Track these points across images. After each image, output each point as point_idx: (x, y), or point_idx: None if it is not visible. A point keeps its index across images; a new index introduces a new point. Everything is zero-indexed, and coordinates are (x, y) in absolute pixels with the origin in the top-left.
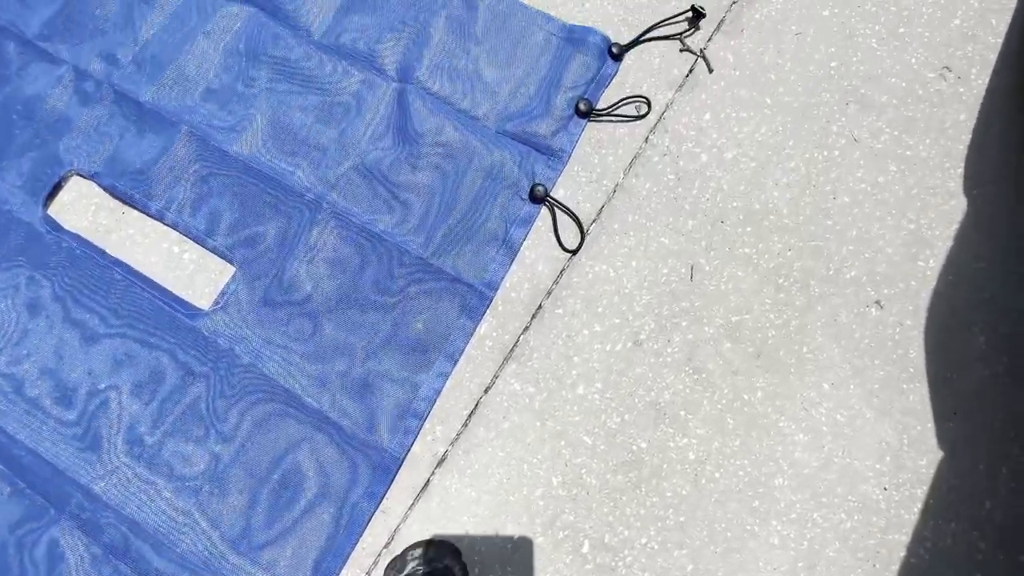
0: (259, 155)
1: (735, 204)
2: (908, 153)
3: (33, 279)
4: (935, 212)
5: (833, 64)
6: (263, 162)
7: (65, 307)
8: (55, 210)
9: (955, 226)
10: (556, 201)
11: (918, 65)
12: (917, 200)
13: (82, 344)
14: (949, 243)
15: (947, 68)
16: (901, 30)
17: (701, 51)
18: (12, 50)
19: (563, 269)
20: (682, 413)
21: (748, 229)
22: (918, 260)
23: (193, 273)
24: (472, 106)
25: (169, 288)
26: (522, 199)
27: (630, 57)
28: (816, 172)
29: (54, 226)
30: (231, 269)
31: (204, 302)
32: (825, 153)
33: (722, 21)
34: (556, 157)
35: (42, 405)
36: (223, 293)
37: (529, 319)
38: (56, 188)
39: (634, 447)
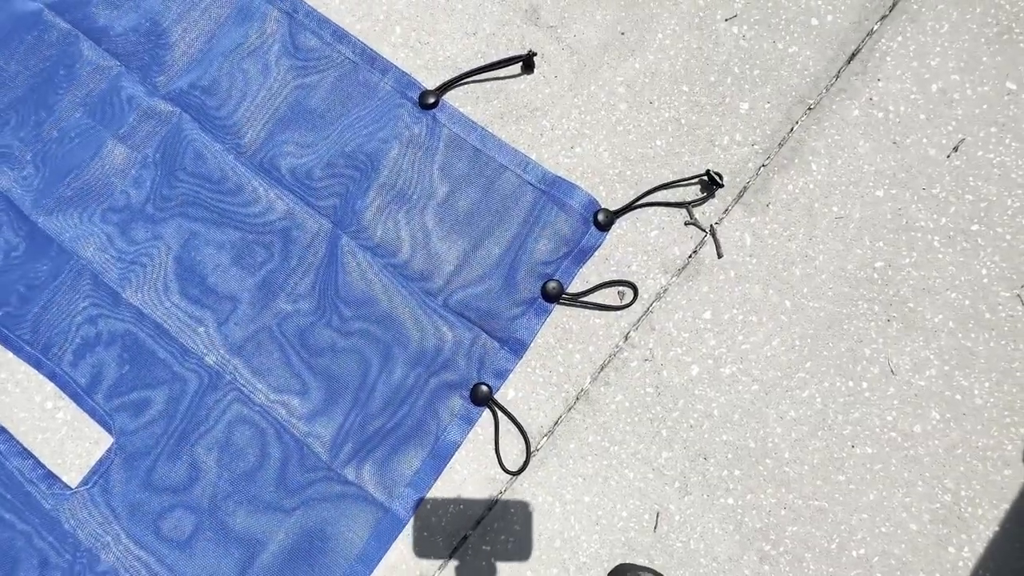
0: (158, 301)
1: (725, 437)
2: (958, 397)
3: None
4: (981, 483)
5: (878, 264)
6: (162, 310)
7: None
8: None
9: (1005, 506)
10: (501, 407)
11: (989, 279)
12: (960, 463)
13: None
14: (993, 530)
15: None
16: (974, 227)
17: (711, 227)
18: None
19: (500, 494)
20: None
21: (736, 472)
22: (949, 546)
23: (64, 438)
24: (417, 269)
25: (35, 452)
26: (462, 397)
27: (621, 224)
28: (835, 408)
29: None
30: (109, 439)
31: (72, 477)
32: (850, 384)
33: (744, 190)
34: (512, 348)
35: None
36: (95, 469)
37: (449, 553)
38: None
39: None
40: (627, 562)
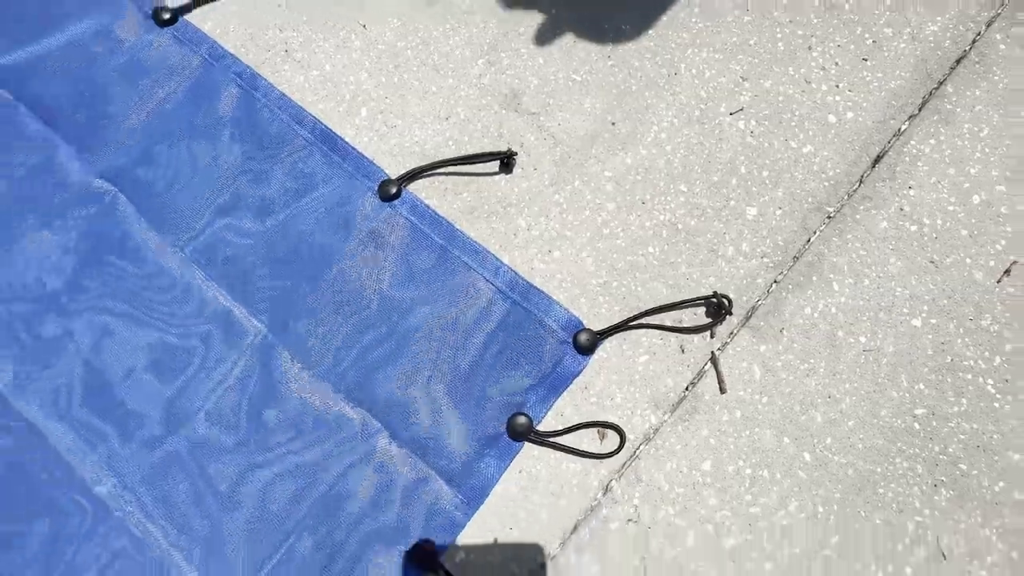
0: (52, 410)
1: None
2: None
3: None
4: None
5: (919, 412)
6: (53, 423)
7: None
8: None
9: None
10: (448, 572)
11: None
12: None
13: None
14: None
15: None
16: None
17: (713, 354)
18: None
19: None
20: None
21: None
22: None
23: None
24: (362, 389)
25: None
26: (400, 554)
27: (605, 348)
28: None
29: None
30: None
31: None
32: (890, 570)
33: (752, 311)
34: (467, 496)
35: None
36: None
37: None
38: None
39: None
40: None
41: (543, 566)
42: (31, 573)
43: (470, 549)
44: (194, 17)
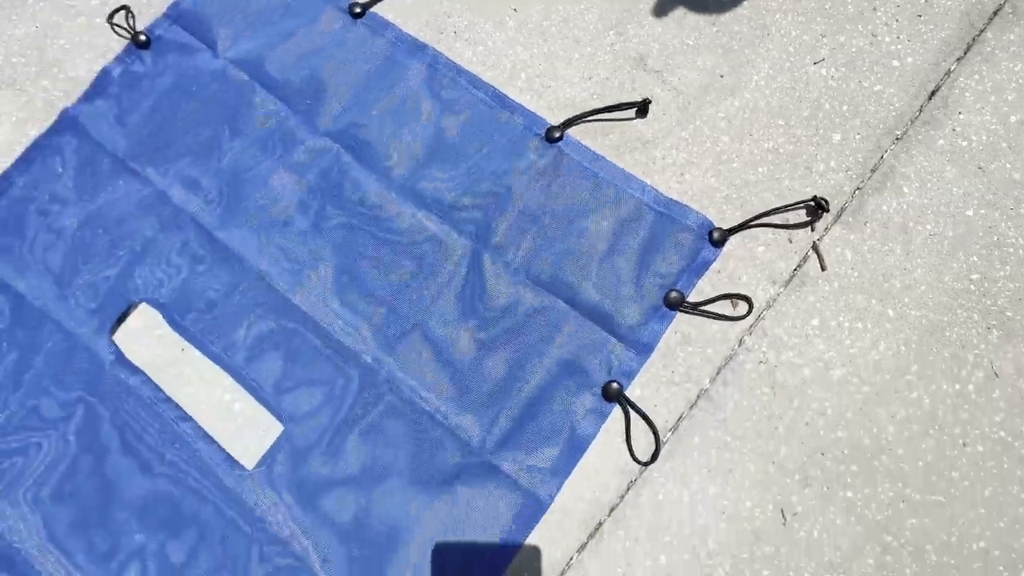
0: (321, 307)
1: (839, 435)
2: None
3: (90, 409)
4: None
5: (974, 277)
6: (324, 315)
7: (115, 443)
8: (120, 338)
9: None
10: (631, 402)
11: None
12: None
13: (127, 484)
14: None
15: None
16: None
17: (814, 243)
18: (105, 166)
19: (631, 484)
20: None
21: (853, 468)
22: None
23: (242, 426)
24: (550, 280)
25: (217, 439)
26: (594, 394)
27: (732, 242)
28: (944, 410)
29: (118, 356)
30: (279, 427)
31: (249, 461)
32: (957, 387)
33: (842, 210)
34: (638, 350)
35: (74, 557)
36: (268, 455)
37: (586, 538)
38: (124, 315)
39: None
40: None
41: (698, 395)
42: (321, 418)
43: (644, 387)
44: (379, 9)
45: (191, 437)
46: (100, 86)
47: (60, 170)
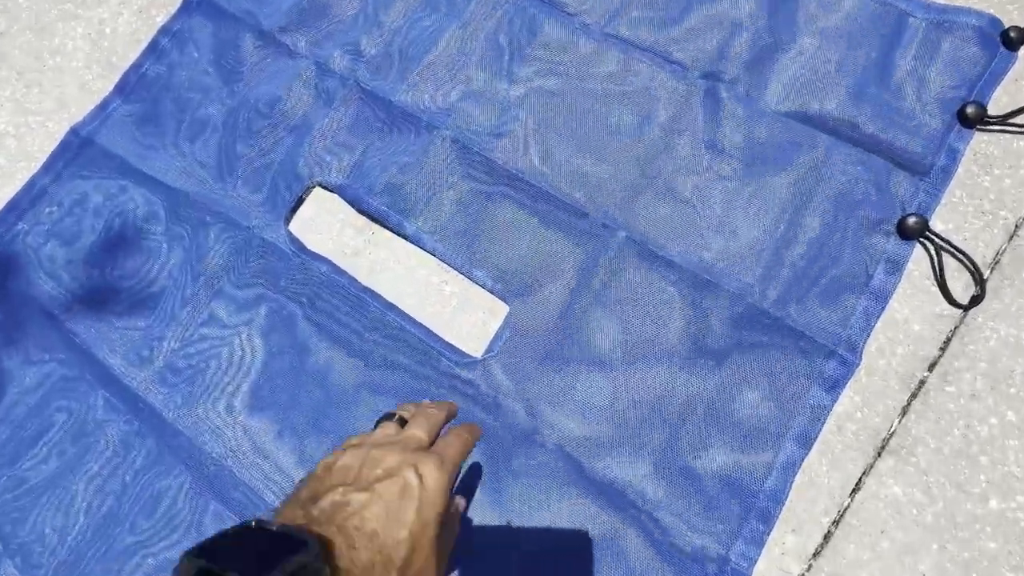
0: (529, 168)
1: None
2: None
3: (277, 305)
4: None
5: None
6: (533, 176)
7: (313, 339)
8: (297, 227)
9: None
10: (939, 237)
11: None
12: None
13: (337, 380)
14: None
15: None
16: None
17: None
18: (249, 43)
19: (952, 332)
20: None
21: None
22: None
23: (456, 311)
24: (802, 105)
25: (428, 326)
26: (886, 234)
27: None
28: None
29: (298, 246)
30: (503, 309)
31: (473, 348)
32: None
33: None
34: (932, 178)
35: (280, 464)
36: (495, 340)
37: (908, 398)
38: (299, 202)
39: None
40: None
41: (1017, 224)
42: (555, 293)
43: (946, 220)
44: None
45: (406, 329)
46: None
47: (196, 54)
